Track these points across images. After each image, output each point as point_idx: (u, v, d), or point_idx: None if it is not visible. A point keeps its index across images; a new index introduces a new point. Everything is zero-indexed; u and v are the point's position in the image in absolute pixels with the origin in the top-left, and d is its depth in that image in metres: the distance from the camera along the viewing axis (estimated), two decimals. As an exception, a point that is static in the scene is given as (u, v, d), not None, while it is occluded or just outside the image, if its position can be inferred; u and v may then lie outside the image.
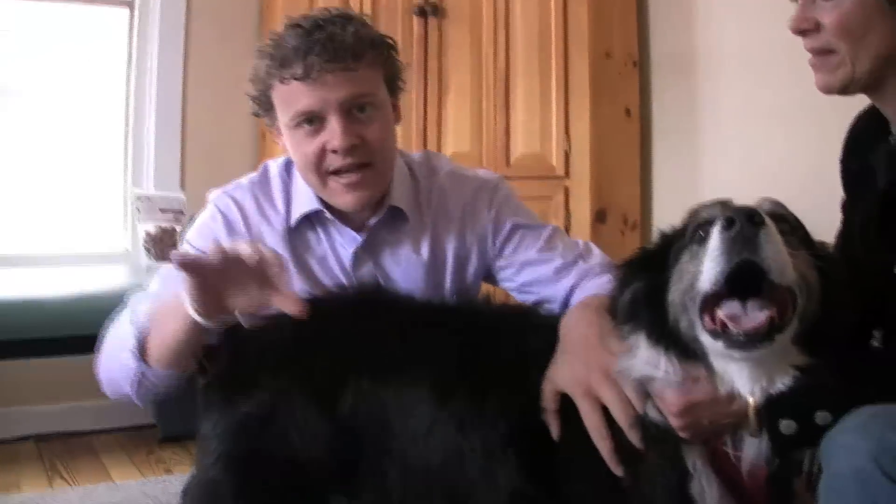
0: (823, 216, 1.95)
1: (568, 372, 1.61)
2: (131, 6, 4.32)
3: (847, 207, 1.88)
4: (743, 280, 1.33)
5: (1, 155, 4.20)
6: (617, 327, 1.56)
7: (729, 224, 1.31)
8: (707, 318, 1.38)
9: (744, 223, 1.30)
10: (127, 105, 4.34)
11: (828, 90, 1.66)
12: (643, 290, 1.50)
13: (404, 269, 2.13)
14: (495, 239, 2.15)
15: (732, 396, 1.41)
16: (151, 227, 3.97)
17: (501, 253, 2.15)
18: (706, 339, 1.39)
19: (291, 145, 2.02)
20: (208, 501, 1.78)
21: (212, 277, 1.67)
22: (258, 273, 1.65)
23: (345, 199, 2.02)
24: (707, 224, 1.41)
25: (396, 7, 3.77)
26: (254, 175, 2.18)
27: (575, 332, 1.69)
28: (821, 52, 1.63)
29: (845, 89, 1.64)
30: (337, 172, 1.99)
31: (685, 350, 1.43)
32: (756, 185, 3.33)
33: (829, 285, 1.41)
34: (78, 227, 4.31)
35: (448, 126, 3.73)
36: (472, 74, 3.73)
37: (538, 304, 2.11)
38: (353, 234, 2.09)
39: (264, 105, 2.04)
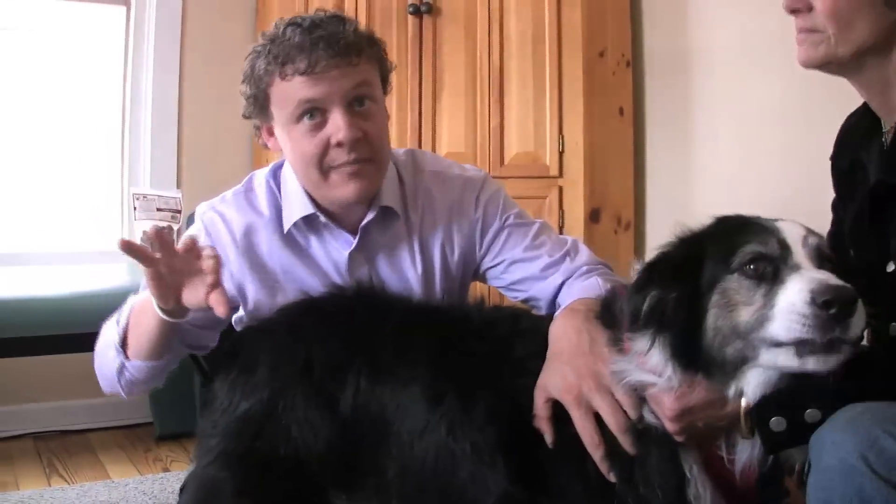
0: (816, 214, 1.98)
1: (559, 380, 1.62)
2: (128, 5, 4.33)
3: (838, 206, 1.90)
4: None
5: (-1, 154, 4.21)
6: (612, 334, 1.57)
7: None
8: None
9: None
10: (124, 103, 4.35)
11: (808, 64, 1.68)
12: (667, 303, 1.48)
13: (397, 268, 2.14)
14: (483, 238, 2.17)
15: (726, 400, 1.43)
16: (148, 226, 3.96)
17: (489, 251, 2.17)
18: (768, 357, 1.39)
19: (290, 142, 2.02)
20: (208, 498, 1.79)
21: (166, 270, 1.74)
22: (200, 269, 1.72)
23: (347, 189, 2.02)
24: (761, 260, 1.41)
25: (391, 6, 3.77)
26: (239, 187, 2.19)
27: (564, 340, 1.70)
28: (808, 31, 1.66)
29: (824, 66, 1.67)
30: (339, 166, 2.00)
31: (710, 368, 1.44)
32: (749, 184, 3.36)
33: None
34: (75, 226, 4.32)
35: (442, 125, 3.73)
36: (466, 73, 3.73)
37: (526, 301, 2.14)
38: (347, 236, 2.10)
39: (259, 103, 2.04)
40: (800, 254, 1.40)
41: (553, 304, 2.04)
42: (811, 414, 1.36)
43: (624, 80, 3.88)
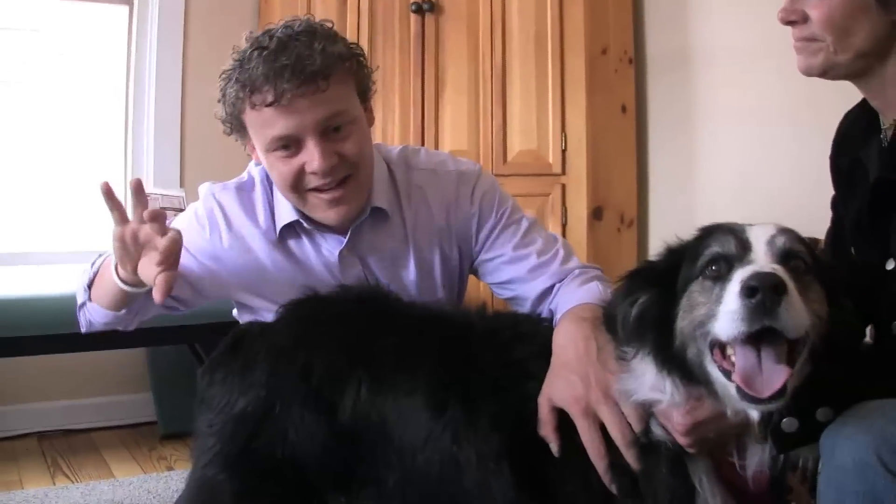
0: (819, 209, 1.98)
1: (566, 389, 1.60)
2: (130, 4, 4.33)
3: (837, 204, 1.89)
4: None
5: (2, 153, 4.21)
6: (617, 344, 1.55)
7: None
8: (717, 354, 1.37)
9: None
10: (126, 103, 4.35)
11: (808, 72, 1.69)
12: (650, 309, 1.47)
13: (391, 266, 2.14)
14: (479, 233, 2.16)
15: (735, 410, 1.43)
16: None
17: (484, 246, 2.16)
18: (715, 372, 1.38)
19: (268, 166, 2.02)
20: (207, 500, 1.79)
21: (131, 237, 1.79)
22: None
23: (327, 214, 2.02)
24: (720, 260, 1.40)
25: (394, 4, 3.77)
26: (241, 179, 2.19)
27: (571, 348, 1.68)
28: (806, 40, 1.67)
29: (825, 73, 1.68)
30: (317, 189, 1.98)
31: (689, 373, 1.42)
32: (752, 181, 3.36)
33: (838, 312, 1.40)
34: (78, 225, 4.32)
35: (445, 123, 3.74)
36: (468, 71, 3.74)
37: (511, 300, 2.13)
38: (337, 236, 2.10)
39: (236, 127, 2.02)
40: (759, 252, 1.38)
41: (538, 304, 2.04)
42: (823, 412, 1.35)
43: (626, 78, 3.88)
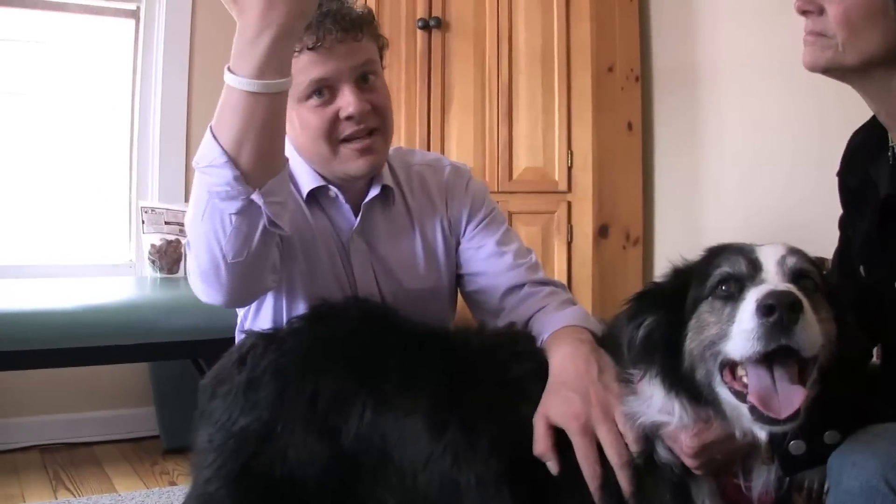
0: (825, 226, 1.97)
1: (565, 406, 1.60)
2: (137, 18, 4.35)
3: (846, 223, 1.88)
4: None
5: (7, 166, 4.22)
6: (621, 367, 1.55)
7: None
8: (728, 375, 1.36)
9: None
10: (132, 117, 4.36)
11: (812, 67, 1.66)
12: (657, 330, 1.47)
13: (399, 249, 2.17)
14: (469, 223, 2.23)
15: (744, 431, 1.41)
16: (156, 239, 3.99)
17: (467, 236, 2.23)
18: (724, 393, 1.37)
19: (298, 118, 2.02)
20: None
21: None
22: None
23: (357, 164, 2.05)
24: (731, 280, 1.39)
25: (400, 20, 3.77)
26: None
27: (571, 367, 1.68)
28: (817, 34, 1.64)
29: (828, 70, 1.65)
30: (348, 139, 2.03)
31: (697, 394, 1.41)
32: (759, 198, 3.35)
33: (846, 331, 1.40)
34: (83, 239, 4.33)
35: (451, 140, 3.74)
36: (475, 88, 3.74)
37: (475, 293, 2.19)
38: (350, 215, 2.12)
39: None
40: (771, 272, 1.37)
41: (503, 299, 2.11)
42: (830, 435, 1.34)
43: (633, 95, 3.89)
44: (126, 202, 4.37)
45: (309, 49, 1.94)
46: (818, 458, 1.36)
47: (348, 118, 2.00)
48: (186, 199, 4.18)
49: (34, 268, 4.09)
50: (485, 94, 3.74)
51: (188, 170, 4.33)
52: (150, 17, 4.33)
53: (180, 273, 3.97)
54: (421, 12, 3.75)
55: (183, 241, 3.92)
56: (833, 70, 1.64)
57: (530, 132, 3.70)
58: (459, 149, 3.72)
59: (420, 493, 1.65)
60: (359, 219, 2.11)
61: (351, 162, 2.05)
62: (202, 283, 1.76)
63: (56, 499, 3.24)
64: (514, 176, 3.70)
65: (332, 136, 2.02)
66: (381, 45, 2.15)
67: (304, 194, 2.08)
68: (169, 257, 3.97)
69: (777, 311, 1.26)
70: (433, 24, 3.72)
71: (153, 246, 3.98)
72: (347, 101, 1.99)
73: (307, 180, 2.09)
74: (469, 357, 1.77)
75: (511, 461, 1.60)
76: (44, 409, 3.96)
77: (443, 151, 3.72)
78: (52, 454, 3.82)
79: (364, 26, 2.03)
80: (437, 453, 1.63)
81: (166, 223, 4.01)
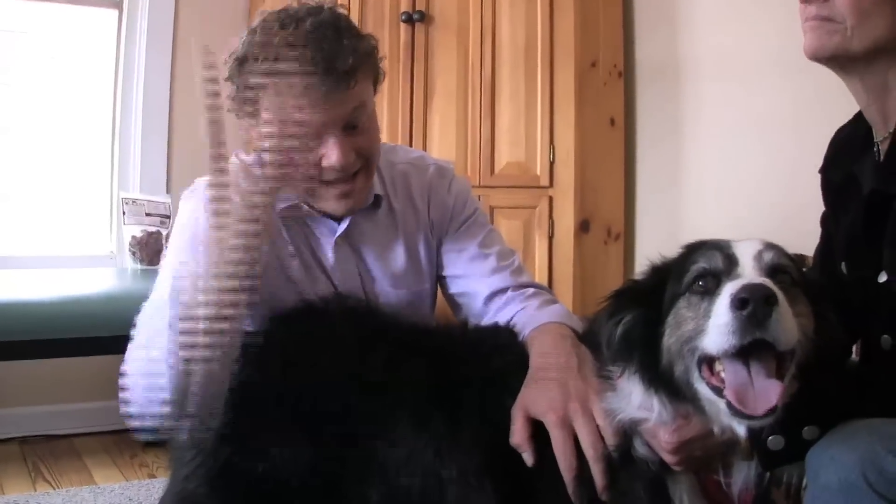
0: (805, 223, 1.98)
1: (544, 399, 1.60)
2: (120, 8, 4.31)
3: (828, 220, 1.88)
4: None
5: (-13, 156, 4.19)
6: (600, 363, 1.56)
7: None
8: (706, 370, 1.37)
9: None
10: (114, 107, 4.32)
11: (817, 54, 1.62)
12: (635, 328, 1.48)
13: (384, 254, 2.15)
14: (451, 224, 2.20)
15: (723, 428, 1.42)
16: (137, 231, 3.97)
17: (449, 237, 2.20)
18: (703, 389, 1.38)
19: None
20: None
21: None
22: None
23: (336, 205, 2.02)
24: (708, 276, 1.40)
25: (384, 13, 3.77)
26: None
27: (552, 360, 1.69)
28: (823, 19, 1.60)
29: (834, 58, 1.61)
30: (328, 182, 1.97)
31: (676, 391, 1.42)
32: (740, 194, 3.37)
33: (824, 326, 1.41)
34: (64, 230, 4.31)
35: (433, 134, 3.74)
36: (457, 82, 3.74)
37: (458, 296, 2.16)
38: (332, 223, 2.09)
39: (248, 109, 1.94)
40: (747, 267, 1.38)
41: (487, 302, 2.08)
42: (809, 431, 1.35)
43: (615, 91, 3.90)
44: (107, 193, 4.35)
45: (294, 97, 1.81)
46: (797, 454, 1.36)
47: (331, 167, 1.93)
48: (168, 191, 4.20)
49: (14, 258, 4.05)
50: (467, 87, 3.74)
51: (170, 161, 4.31)
52: (134, 7, 4.29)
53: (161, 265, 3.94)
54: (405, 6, 3.75)
55: (164, 232, 3.91)
56: (839, 57, 1.61)
57: (512, 126, 3.70)
58: (441, 143, 3.72)
59: (403, 488, 1.64)
60: (345, 225, 2.08)
61: (330, 202, 2.01)
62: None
63: (35, 491, 3.22)
64: (496, 170, 3.70)
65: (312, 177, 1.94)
66: (378, 73, 2.05)
67: (278, 210, 2.01)
68: (150, 249, 3.95)
69: (751, 305, 1.26)
70: (417, 18, 3.72)
71: (134, 237, 3.96)
72: (332, 152, 1.90)
73: (281, 197, 2.00)
74: (451, 351, 1.78)
75: (493, 454, 1.61)
76: (23, 401, 3.94)
77: (425, 145, 3.72)
78: (32, 446, 3.80)
79: (359, 71, 1.91)
80: (419, 447, 1.64)
81: (147, 214, 3.99)
